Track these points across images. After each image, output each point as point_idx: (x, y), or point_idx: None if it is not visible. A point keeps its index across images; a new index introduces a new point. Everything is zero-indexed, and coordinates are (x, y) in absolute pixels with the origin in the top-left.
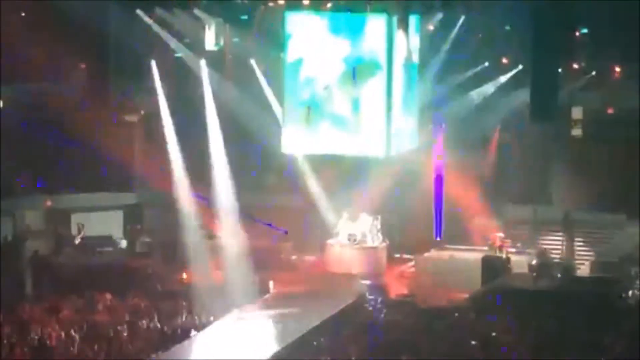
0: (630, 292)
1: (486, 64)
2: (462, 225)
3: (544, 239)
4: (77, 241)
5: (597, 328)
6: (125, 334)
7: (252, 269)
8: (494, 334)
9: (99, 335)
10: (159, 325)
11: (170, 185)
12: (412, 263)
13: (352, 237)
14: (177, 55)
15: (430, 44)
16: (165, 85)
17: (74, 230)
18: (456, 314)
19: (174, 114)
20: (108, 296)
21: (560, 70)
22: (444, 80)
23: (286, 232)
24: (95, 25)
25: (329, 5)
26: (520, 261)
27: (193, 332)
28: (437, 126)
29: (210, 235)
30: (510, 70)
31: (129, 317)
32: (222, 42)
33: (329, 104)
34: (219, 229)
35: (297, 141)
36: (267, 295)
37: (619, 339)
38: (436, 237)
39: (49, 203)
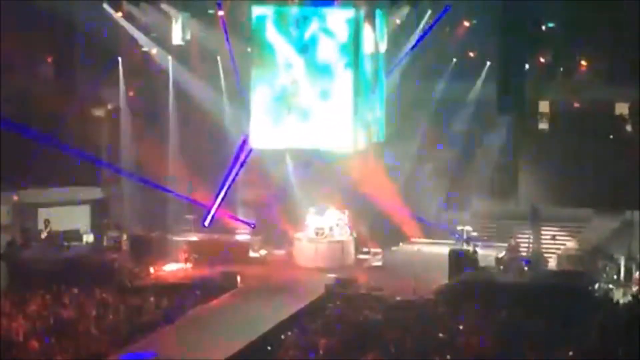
0: (597, 285)
1: (453, 57)
2: (429, 219)
3: (511, 233)
4: (43, 236)
5: (564, 320)
6: (91, 328)
7: (220, 263)
8: (460, 326)
9: (65, 329)
10: (125, 319)
11: (137, 178)
12: (380, 257)
13: (319, 231)
14: (144, 49)
15: (397, 38)
16: (131, 79)
17: (40, 225)
18: (423, 307)
19: (140, 108)
20: (74, 290)
21: (527, 64)
22: (410, 73)
23: (254, 226)
24: (62, 19)
25: None
26: (488, 254)
27: (160, 327)
28: (404, 119)
29: (180, 229)
30: (477, 63)
31: (95, 311)
32: (189, 37)
33: (296, 98)
34: (190, 223)
35: (264, 135)
36: (235, 290)
37: (586, 331)
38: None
39: (15, 198)
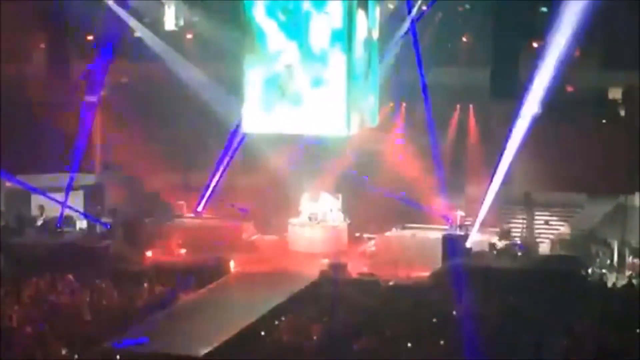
0: (590, 270)
1: (447, 42)
2: (423, 204)
3: (504, 218)
4: (39, 222)
5: (558, 306)
6: (85, 314)
7: (214, 249)
8: (454, 312)
9: (59, 315)
10: (119, 305)
11: (131, 165)
12: (374, 242)
13: (313, 217)
14: (136, 35)
15: (390, 23)
16: (124, 65)
17: (34, 211)
18: (416, 292)
19: (133, 93)
20: (68, 277)
21: (520, 48)
22: (404, 59)
23: (247, 211)
24: (54, 5)
25: None
26: (481, 239)
27: (154, 312)
28: (398, 105)
29: (173, 215)
30: (470, 48)
31: (89, 297)
32: (182, 22)
33: (290, 82)
34: (183, 208)
35: (257, 120)
36: (228, 275)
37: (580, 317)
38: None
39: (8, 184)
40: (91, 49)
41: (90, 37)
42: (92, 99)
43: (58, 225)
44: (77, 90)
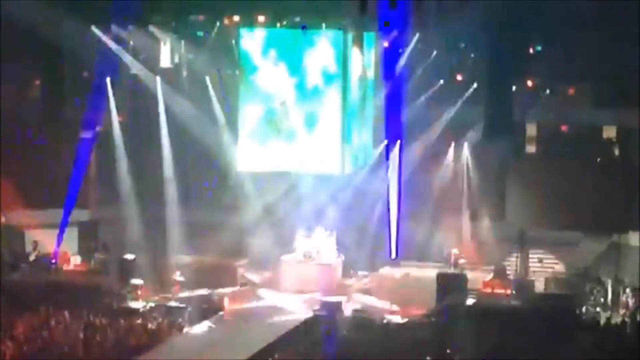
0: (584, 308)
1: (441, 80)
2: (417, 242)
3: (499, 256)
4: (32, 258)
5: (552, 344)
6: (78, 351)
7: (207, 285)
8: (448, 350)
9: (53, 351)
10: (112, 342)
11: (125, 202)
12: (368, 279)
13: (307, 254)
14: (132, 71)
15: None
16: (120, 102)
17: (28, 247)
18: (410, 330)
19: (129, 130)
20: (62, 312)
21: (514, 87)
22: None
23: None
24: (50, 41)
25: (284, 22)
26: (476, 277)
27: (147, 349)
28: (393, 143)
29: (167, 253)
30: (465, 87)
31: (83, 334)
32: (177, 59)
33: (285, 120)
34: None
35: (252, 158)
36: (222, 312)
37: (574, 355)
38: (390, 255)
39: (2, 219)
40: (88, 85)
41: (85, 73)
42: (87, 135)
43: (52, 260)
44: (72, 126)
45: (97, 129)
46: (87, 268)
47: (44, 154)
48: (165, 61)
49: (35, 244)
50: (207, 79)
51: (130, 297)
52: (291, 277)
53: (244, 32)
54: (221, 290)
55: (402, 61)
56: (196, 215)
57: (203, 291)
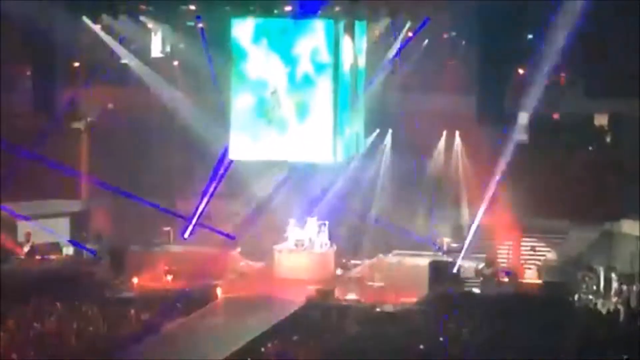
0: (576, 296)
1: (433, 68)
2: (410, 230)
3: (491, 244)
4: (25, 249)
5: (544, 332)
6: (71, 341)
7: (200, 275)
8: (441, 338)
9: (45, 342)
10: (105, 332)
11: (117, 191)
12: (360, 268)
13: (299, 243)
14: (123, 61)
15: (376, 50)
16: (110, 92)
17: (20, 238)
18: (402, 318)
19: (119, 120)
20: (54, 303)
21: (505, 75)
22: (390, 85)
23: (234, 238)
24: (41, 31)
25: (275, 11)
26: (468, 266)
27: (140, 339)
28: (384, 131)
29: (159, 242)
30: (456, 75)
31: (76, 324)
32: (168, 49)
33: (276, 109)
34: (169, 235)
35: (244, 146)
36: (215, 302)
37: (566, 343)
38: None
39: None
40: (78, 75)
41: (76, 64)
42: (78, 125)
43: (44, 252)
44: (63, 117)
45: (88, 119)
46: (79, 258)
47: (34, 145)
48: (156, 51)
49: (28, 235)
50: (198, 68)
51: (123, 287)
52: (284, 266)
53: (235, 21)
54: (214, 280)
55: (394, 50)
56: (188, 204)
57: (196, 281)
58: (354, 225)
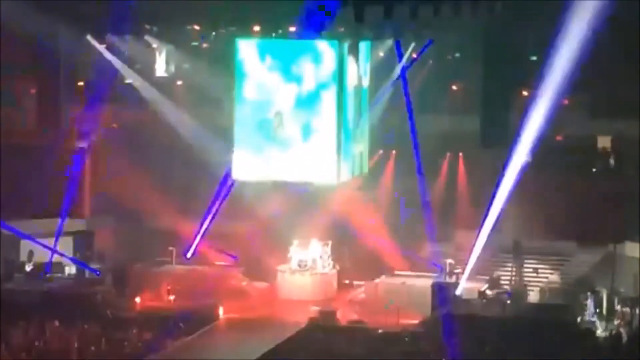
0: (579, 318)
1: (436, 90)
2: (412, 252)
3: (494, 266)
4: (28, 268)
5: (547, 354)
6: None
7: (203, 295)
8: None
9: None
10: (107, 352)
11: (120, 211)
12: (363, 289)
13: (302, 263)
14: (127, 81)
15: (380, 71)
16: (115, 111)
17: (23, 257)
18: (405, 340)
19: (124, 140)
20: (56, 323)
21: (509, 97)
22: (394, 105)
23: (236, 258)
24: (46, 50)
25: (279, 31)
26: (471, 287)
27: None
28: (387, 152)
29: (162, 261)
30: (460, 96)
31: (78, 344)
32: (173, 69)
33: (280, 129)
34: (173, 255)
35: (247, 166)
36: (217, 322)
37: None
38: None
39: None
40: (83, 94)
41: (81, 83)
42: (82, 144)
43: (47, 270)
44: (68, 136)
45: (93, 138)
46: (82, 277)
47: (39, 164)
48: (160, 71)
49: (31, 253)
50: (202, 88)
51: (126, 306)
52: (286, 287)
53: (239, 41)
54: (216, 300)
55: (398, 70)
56: (192, 224)
57: (198, 300)
58: (357, 246)
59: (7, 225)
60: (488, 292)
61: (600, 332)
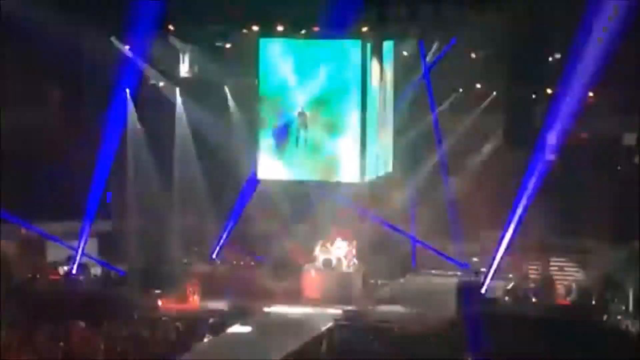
0: (605, 316)
1: (460, 89)
2: (437, 250)
3: (519, 264)
4: (61, 270)
5: (574, 353)
6: None
7: (228, 295)
8: (469, 358)
9: None
10: (133, 352)
11: (146, 212)
12: (388, 288)
13: (327, 263)
14: (151, 82)
15: (404, 70)
16: (139, 112)
17: (49, 259)
18: (432, 339)
19: (148, 141)
20: (82, 323)
21: (534, 95)
22: (418, 105)
23: (261, 259)
24: (69, 52)
25: (303, 31)
26: (496, 286)
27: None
28: (411, 151)
29: (188, 262)
30: (484, 94)
31: (104, 344)
32: (197, 69)
33: (304, 129)
34: (198, 255)
35: (272, 167)
36: (243, 321)
37: None
38: (411, 264)
39: (23, 231)
40: (107, 96)
41: (106, 84)
42: (107, 146)
43: (72, 272)
44: (93, 137)
45: (117, 139)
46: (107, 279)
47: (64, 165)
48: (184, 71)
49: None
50: (226, 88)
51: (151, 307)
52: (311, 286)
53: (263, 41)
54: (241, 299)
55: (421, 69)
56: (217, 224)
57: (223, 300)
58: (382, 245)
59: (34, 227)
60: (513, 290)
61: (627, 330)
